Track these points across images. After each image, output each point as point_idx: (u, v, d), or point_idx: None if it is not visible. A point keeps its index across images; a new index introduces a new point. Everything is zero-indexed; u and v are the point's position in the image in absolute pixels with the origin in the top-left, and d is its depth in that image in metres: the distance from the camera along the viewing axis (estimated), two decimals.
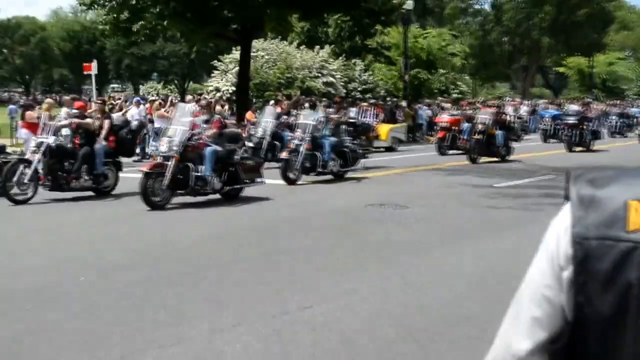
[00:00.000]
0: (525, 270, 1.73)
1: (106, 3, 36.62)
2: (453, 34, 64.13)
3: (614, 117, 45.15)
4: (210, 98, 37.74)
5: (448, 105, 38.30)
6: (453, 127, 29.04)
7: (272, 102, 29.75)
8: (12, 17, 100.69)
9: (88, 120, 17.28)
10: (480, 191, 17.80)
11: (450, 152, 28.56)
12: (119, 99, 37.80)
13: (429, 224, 13.43)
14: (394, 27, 46.69)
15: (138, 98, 36.64)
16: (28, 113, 23.36)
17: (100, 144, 16.81)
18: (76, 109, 17.90)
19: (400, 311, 7.91)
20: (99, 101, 21.48)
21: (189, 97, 39.53)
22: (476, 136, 25.56)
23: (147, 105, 29.81)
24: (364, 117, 29.74)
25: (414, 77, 47.73)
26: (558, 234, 1.66)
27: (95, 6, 37.84)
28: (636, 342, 1.54)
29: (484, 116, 26.82)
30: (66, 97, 30.85)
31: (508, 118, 29.82)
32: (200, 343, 6.91)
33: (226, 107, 31.38)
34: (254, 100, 36.82)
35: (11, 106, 35.24)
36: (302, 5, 35.20)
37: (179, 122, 15.91)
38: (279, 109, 25.98)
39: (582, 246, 1.59)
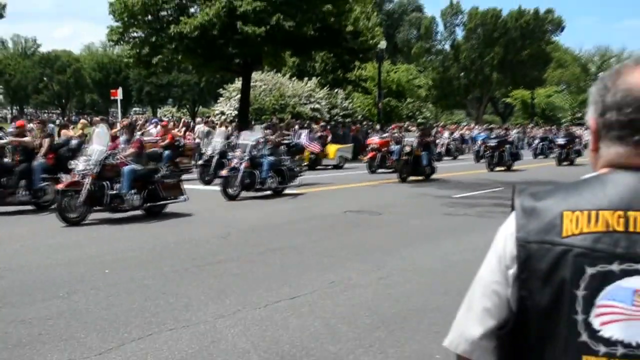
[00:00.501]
0: (479, 268, 1.77)
1: (130, 40, 37.16)
2: (419, 69, 64.68)
3: (537, 141, 45.44)
4: (213, 119, 37.86)
5: (414, 128, 37.61)
6: (382, 149, 27.61)
7: (265, 124, 29.59)
8: (51, 50, 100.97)
9: (26, 138, 16.03)
10: (441, 201, 17.80)
11: (380, 170, 27.22)
12: (140, 119, 37.69)
13: (398, 228, 13.39)
14: (370, 63, 47.13)
15: (156, 119, 36.77)
16: (64, 131, 23.28)
17: (38, 161, 15.65)
18: (16, 127, 16.74)
19: (375, 301, 7.86)
20: (37, 122, 20.01)
21: (198, 119, 39.59)
22: (404, 157, 24.11)
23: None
24: (314, 139, 29.31)
25: (386, 105, 48.21)
26: (505, 238, 1.71)
27: (121, 42, 38.29)
28: (569, 327, 1.58)
29: (410, 139, 25.08)
30: (96, 118, 30.88)
31: (430, 139, 27.45)
32: (206, 325, 6.87)
33: (230, 127, 31.35)
34: (253, 122, 36.86)
35: (50, 125, 35.06)
36: (293, 44, 35.58)
37: (98, 142, 14.32)
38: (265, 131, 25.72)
39: (524, 248, 1.64)
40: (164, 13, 36.20)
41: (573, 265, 1.58)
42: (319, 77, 48.86)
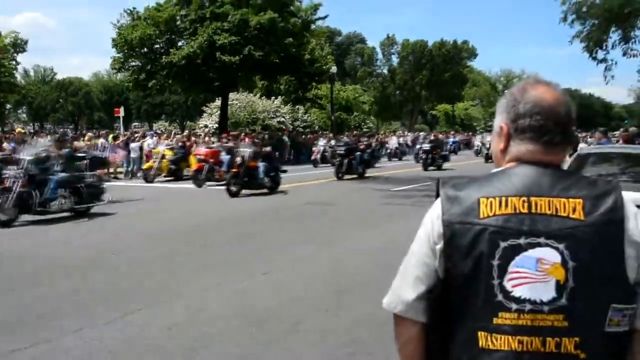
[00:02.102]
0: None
1: (129, 68, 37.06)
2: (363, 89, 64.85)
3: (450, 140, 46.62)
4: (199, 130, 37.60)
5: (365, 138, 37.38)
6: (210, 160, 20.78)
7: (243, 134, 29.49)
8: (66, 77, 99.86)
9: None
10: (381, 193, 17.85)
11: (209, 183, 20.18)
12: (138, 132, 37.31)
13: (347, 215, 13.38)
14: (324, 84, 47.06)
15: (152, 132, 36.53)
16: (75, 143, 22.86)
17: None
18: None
19: (330, 275, 7.87)
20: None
21: (186, 131, 39.31)
22: (235, 169, 17.60)
23: (161, 136, 29.30)
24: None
25: (338, 118, 48.36)
26: (432, 220, 1.73)
27: (122, 70, 38.18)
28: (487, 290, 1.61)
29: (244, 149, 18.40)
30: (103, 132, 30.43)
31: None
32: (194, 297, 6.80)
33: (213, 138, 31.26)
34: (231, 133, 36.76)
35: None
36: (262, 70, 35.86)
37: (31, 152, 12.84)
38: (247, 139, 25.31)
39: (449, 228, 1.66)
40: (157, 46, 36.15)
41: (489, 241, 1.61)
42: (283, 96, 48.92)
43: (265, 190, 17.83)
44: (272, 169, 18.37)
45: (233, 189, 17.01)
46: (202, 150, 22.03)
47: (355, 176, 23.34)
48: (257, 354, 5.12)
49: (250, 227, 11.66)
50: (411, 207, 14.19)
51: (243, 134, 28.76)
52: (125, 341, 5.41)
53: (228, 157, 19.38)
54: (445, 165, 30.35)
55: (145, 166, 23.28)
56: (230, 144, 20.97)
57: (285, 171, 19.46)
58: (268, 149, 20.10)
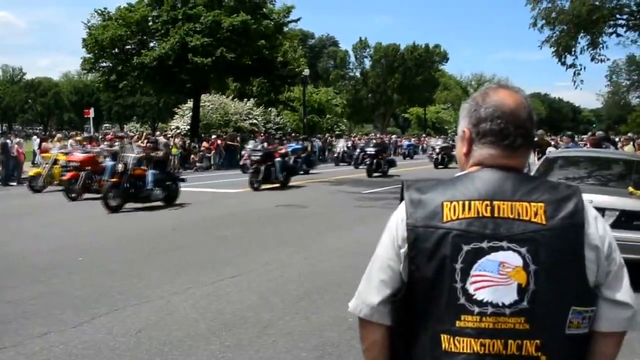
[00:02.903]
0: None
1: (100, 69, 36.75)
2: (335, 91, 64.96)
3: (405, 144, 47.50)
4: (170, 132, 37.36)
5: (339, 140, 37.44)
6: (87, 167, 16.69)
7: (214, 136, 29.41)
8: (35, 77, 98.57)
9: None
10: (354, 196, 17.88)
11: (88, 195, 16.47)
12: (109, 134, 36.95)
13: (320, 218, 13.37)
14: (296, 87, 47.12)
15: (123, 133, 36.30)
16: (44, 144, 22.58)
17: None
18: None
19: (301, 277, 7.84)
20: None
21: (157, 132, 39.02)
22: (115, 178, 14.44)
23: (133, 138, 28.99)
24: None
25: (310, 120, 48.36)
26: (397, 224, 1.73)
27: (93, 71, 37.83)
28: (450, 293, 1.62)
29: (129, 154, 15.17)
30: (72, 133, 30.08)
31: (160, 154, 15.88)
32: (163, 301, 6.73)
33: (187, 140, 31.21)
34: (202, 135, 36.59)
35: (35, 137, 33.94)
36: (234, 72, 35.82)
37: None
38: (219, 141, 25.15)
39: (413, 232, 1.66)
40: (128, 47, 35.89)
41: (452, 244, 1.62)
42: (256, 98, 48.91)
43: (159, 203, 15.25)
44: (165, 178, 15.46)
45: (112, 202, 14.07)
46: (77, 155, 17.71)
47: (276, 185, 19.92)
48: (226, 358, 5.08)
49: (221, 230, 11.59)
50: (381, 209, 14.22)
51: (128, 133, 26.51)
52: (92, 346, 5.33)
53: (112, 163, 15.93)
54: (392, 171, 27.35)
55: (31, 172, 20.15)
56: (116, 148, 17.41)
57: (183, 180, 16.54)
58: (159, 154, 15.87)
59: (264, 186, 19.33)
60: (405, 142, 49.90)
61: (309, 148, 29.32)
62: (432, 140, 44.05)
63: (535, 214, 1.62)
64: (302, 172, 25.87)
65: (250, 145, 27.46)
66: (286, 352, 5.21)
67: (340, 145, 37.51)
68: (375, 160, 25.93)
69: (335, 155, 37.50)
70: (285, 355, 5.15)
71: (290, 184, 20.72)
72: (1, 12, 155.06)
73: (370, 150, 27.23)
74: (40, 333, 5.63)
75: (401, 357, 1.74)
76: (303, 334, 5.65)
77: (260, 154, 20.30)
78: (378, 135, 46.86)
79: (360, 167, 28.48)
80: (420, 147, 52.09)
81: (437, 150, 33.87)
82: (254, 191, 18.78)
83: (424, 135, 66.46)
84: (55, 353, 5.17)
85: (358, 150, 30.81)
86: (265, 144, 22.92)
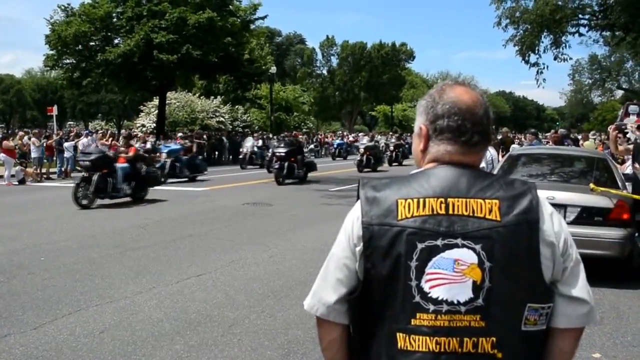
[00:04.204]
0: None
1: (63, 66, 36.13)
2: (302, 89, 64.71)
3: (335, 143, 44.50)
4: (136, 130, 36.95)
5: (301, 136, 35.69)
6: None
7: (180, 134, 29.18)
8: None
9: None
10: (320, 193, 17.92)
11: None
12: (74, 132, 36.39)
13: (286, 215, 13.35)
14: (263, 84, 46.93)
15: (87, 131, 35.82)
16: (5, 142, 22.11)
17: None
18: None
19: (266, 276, 7.82)
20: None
21: (123, 130, 38.60)
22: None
23: (96, 135, 28.54)
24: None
25: (277, 118, 48.21)
26: (352, 222, 1.73)
27: (56, 68, 37.17)
28: (405, 291, 1.61)
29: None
30: (35, 131, 29.54)
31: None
32: (126, 301, 6.66)
33: (151, 137, 30.86)
34: (169, 132, 36.25)
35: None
36: (201, 69, 35.60)
37: None
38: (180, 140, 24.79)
39: (368, 230, 1.66)
40: (92, 43, 35.41)
41: (407, 242, 1.61)
42: (222, 96, 48.61)
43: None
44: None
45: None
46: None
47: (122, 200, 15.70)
48: (191, 357, 5.05)
49: (186, 229, 11.50)
50: (348, 207, 14.20)
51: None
52: (54, 347, 5.25)
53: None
54: (313, 175, 23.44)
55: None
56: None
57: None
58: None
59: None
60: (336, 141, 44.96)
61: (194, 149, 24.36)
62: (365, 139, 36.93)
63: (490, 211, 1.62)
64: (186, 179, 21.90)
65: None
66: (251, 351, 5.20)
67: (248, 144, 31.49)
68: (286, 164, 20.79)
69: (241, 156, 31.30)
70: (251, 354, 5.13)
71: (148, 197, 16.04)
72: None
73: (281, 151, 21.44)
74: (0, 335, 5.52)
75: (358, 356, 1.74)
76: (269, 333, 5.64)
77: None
78: (294, 133, 37.22)
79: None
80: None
81: (362, 151, 29.08)
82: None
83: (390, 133, 66.70)
84: (15, 355, 5.08)
85: (271, 150, 24.07)
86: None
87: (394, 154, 33.14)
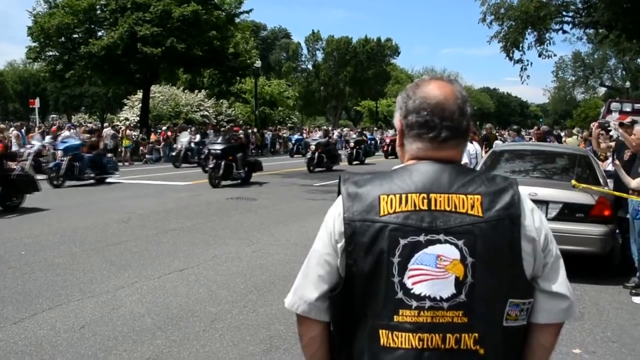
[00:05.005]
0: None
1: (46, 58, 35.82)
2: (287, 83, 64.50)
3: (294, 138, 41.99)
4: (118, 123, 36.72)
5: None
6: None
7: (164, 127, 29.02)
8: None
9: None
10: (305, 188, 17.88)
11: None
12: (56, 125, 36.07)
13: (270, 210, 13.30)
14: (248, 79, 46.74)
15: (70, 124, 35.55)
16: None
17: None
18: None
19: (249, 270, 7.80)
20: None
21: (106, 124, 38.36)
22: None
23: (80, 129, 28.29)
24: None
25: (262, 112, 48.06)
26: (334, 218, 1.72)
27: (39, 60, 36.71)
28: (387, 287, 1.60)
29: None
30: (17, 124, 29.29)
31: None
32: (108, 295, 6.60)
33: (138, 131, 30.70)
34: (152, 126, 36.07)
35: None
36: (185, 62, 35.48)
37: None
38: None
39: (350, 226, 1.64)
40: (75, 35, 35.02)
41: (389, 238, 1.60)
42: (207, 90, 48.46)
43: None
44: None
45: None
46: None
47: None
48: (172, 352, 5.02)
49: (170, 223, 11.44)
50: (331, 202, 14.19)
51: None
52: (33, 342, 5.20)
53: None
54: (258, 176, 20.44)
55: None
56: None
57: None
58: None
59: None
60: (294, 136, 40.83)
61: (101, 145, 20.95)
62: (318, 134, 32.17)
63: (472, 206, 1.61)
64: (90, 180, 18.57)
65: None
66: (233, 346, 5.18)
67: (184, 140, 27.76)
68: (223, 163, 17.88)
69: (174, 153, 27.82)
70: (232, 349, 5.11)
71: None
72: None
73: (216, 148, 18.39)
74: None
75: (340, 353, 1.73)
76: (251, 328, 5.62)
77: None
78: (234, 127, 34.18)
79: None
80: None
81: (313, 148, 24.85)
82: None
83: (375, 127, 66.76)
84: None
85: (208, 149, 19.51)
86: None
87: (354, 151, 29.77)
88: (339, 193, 1.74)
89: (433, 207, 1.61)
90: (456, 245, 1.59)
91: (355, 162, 29.19)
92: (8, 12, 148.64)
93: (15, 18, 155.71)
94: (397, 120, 1.78)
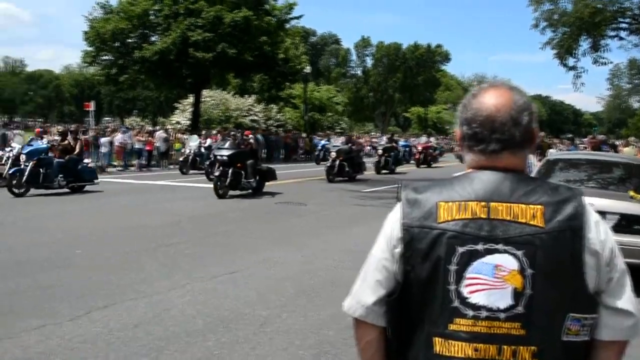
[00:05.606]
0: None
1: (101, 62, 36.70)
2: (337, 89, 64.74)
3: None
4: (169, 127, 37.33)
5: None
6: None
7: (214, 131, 29.32)
8: (36, 69, 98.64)
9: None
10: (353, 194, 17.86)
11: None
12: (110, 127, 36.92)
13: (318, 216, 13.36)
14: (298, 84, 47.01)
15: (124, 127, 36.33)
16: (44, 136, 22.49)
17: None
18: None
19: (298, 275, 7.84)
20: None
21: (157, 126, 39.10)
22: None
23: (132, 132, 28.95)
24: None
25: (311, 117, 48.23)
26: (392, 224, 1.72)
27: (94, 64, 37.65)
28: (443, 295, 1.60)
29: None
30: (73, 126, 30.13)
31: None
32: (160, 296, 6.73)
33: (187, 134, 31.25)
34: (203, 130, 36.59)
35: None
36: (236, 67, 35.86)
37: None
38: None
39: (408, 232, 1.66)
40: (129, 40, 35.90)
41: (447, 245, 1.60)
42: (257, 95, 48.86)
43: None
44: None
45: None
46: None
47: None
48: (222, 354, 5.08)
49: (220, 226, 11.58)
50: (381, 208, 14.20)
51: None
52: (88, 339, 5.33)
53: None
54: (273, 186, 18.44)
55: None
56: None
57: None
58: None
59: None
60: (321, 142, 36.19)
61: (77, 148, 17.32)
62: (339, 140, 26.56)
63: (533, 217, 1.59)
64: (60, 189, 16.28)
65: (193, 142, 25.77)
66: (283, 350, 5.22)
67: (193, 144, 26.02)
68: (231, 170, 16.17)
69: (182, 158, 25.92)
70: (282, 353, 5.15)
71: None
72: (4, 4, 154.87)
73: (222, 154, 16.62)
74: (37, 325, 5.62)
75: (395, 359, 1.74)
76: (300, 332, 5.65)
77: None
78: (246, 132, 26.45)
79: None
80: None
81: (333, 155, 22.38)
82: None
83: (424, 135, 66.14)
84: (51, 346, 5.16)
85: (215, 154, 17.58)
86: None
87: (382, 159, 27.25)
88: (398, 199, 1.74)
89: (492, 216, 1.60)
90: (515, 256, 1.57)
91: (384, 172, 26.64)
92: (64, 16, 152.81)
93: (69, 22, 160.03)
94: (456, 129, 1.78)
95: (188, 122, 39.91)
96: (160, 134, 29.50)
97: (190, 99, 40.86)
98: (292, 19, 38.78)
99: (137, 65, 34.65)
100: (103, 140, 25.15)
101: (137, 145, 26.80)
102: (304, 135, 41.17)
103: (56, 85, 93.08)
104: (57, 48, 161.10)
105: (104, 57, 36.74)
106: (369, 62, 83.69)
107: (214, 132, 34.49)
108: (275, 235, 10.75)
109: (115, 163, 26.22)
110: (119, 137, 25.81)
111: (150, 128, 37.86)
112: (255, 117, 45.34)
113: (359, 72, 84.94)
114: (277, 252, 9.21)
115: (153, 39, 36.17)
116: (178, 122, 42.63)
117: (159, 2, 35.64)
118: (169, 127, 38.71)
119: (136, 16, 34.66)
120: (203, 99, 40.66)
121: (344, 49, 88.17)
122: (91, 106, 38.04)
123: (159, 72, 34.97)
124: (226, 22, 33.03)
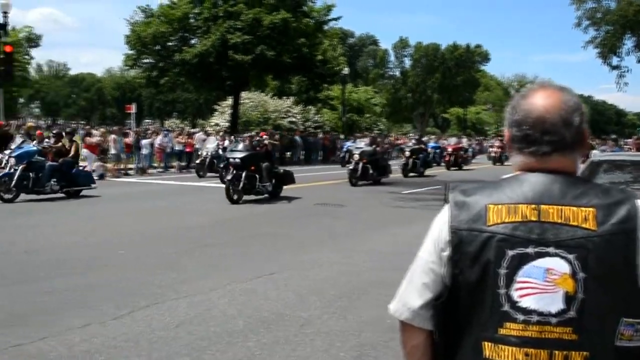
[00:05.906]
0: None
1: (142, 65, 37.28)
2: (375, 90, 64.65)
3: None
4: (209, 128, 37.67)
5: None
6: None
7: (253, 133, 29.42)
8: (79, 73, 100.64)
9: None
10: (393, 196, 17.81)
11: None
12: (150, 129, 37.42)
13: (357, 217, 13.34)
14: (336, 85, 47.04)
15: (165, 129, 36.79)
16: (87, 138, 22.95)
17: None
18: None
19: (338, 277, 7.84)
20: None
21: (197, 128, 39.54)
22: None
23: (173, 134, 29.30)
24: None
25: (349, 119, 48.25)
26: (440, 226, 1.70)
27: (135, 67, 38.33)
28: (493, 299, 1.57)
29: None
30: (114, 128, 30.63)
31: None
32: (201, 296, 6.80)
33: (219, 136, 31.46)
34: (241, 132, 36.91)
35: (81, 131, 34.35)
36: (274, 69, 36.07)
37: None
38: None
39: (456, 235, 1.63)
40: (170, 43, 36.39)
41: (496, 249, 1.58)
42: (295, 96, 49.00)
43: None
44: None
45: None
46: None
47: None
48: (263, 355, 5.11)
49: (259, 227, 11.65)
50: (421, 210, 14.13)
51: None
52: (131, 338, 5.42)
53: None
54: (288, 189, 17.18)
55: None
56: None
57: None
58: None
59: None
60: (346, 144, 33.33)
61: (72, 150, 16.66)
62: (362, 142, 25.37)
63: (585, 219, 1.56)
64: (53, 194, 15.62)
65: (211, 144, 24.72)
66: (323, 352, 5.22)
67: (210, 146, 24.91)
68: (244, 174, 15.33)
69: (199, 160, 24.89)
70: (323, 355, 5.16)
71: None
72: (48, 9, 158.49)
73: (235, 157, 15.91)
74: (81, 324, 5.73)
75: None
76: (341, 334, 5.64)
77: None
78: (261, 133, 27.32)
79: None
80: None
81: (356, 157, 21.34)
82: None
83: (463, 136, 65.65)
84: (95, 344, 5.26)
85: (231, 155, 16.64)
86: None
87: (410, 161, 26.22)
88: (446, 201, 1.72)
89: (543, 219, 1.57)
90: (567, 259, 1.54)
91: (411, 174, 25.92)
92: (106, 20, 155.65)
93: (111, 26, 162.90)
94: (505, 131, 1.76)
95: (227, 124, 40.25)
96: (200, 135, 29.81)
97: (229, 101, 41.18)
98: (330, 20, 38.87)
99: (177, 68, 35.13)
100: (144, 142, 25.51)
101: (177, 147, 27.15)
102: (342, 136, 41.13)
103: (98, 88, 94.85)
104: (100, 52, 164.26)
105: (145, 60, 37.33)
106: (407, 63, 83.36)
107: (253, 134, 34.71)
108: (314, 236, 10.79)
109: (155, 164, 26.62)
110: (159, 139, 26.16)
111: (190, 130, 38.29)
112: (294, 119, 45.46)
113: (397, 73, 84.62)
114: (316, 254, 9.24)
115: (193, 41, 36.60)
116: (217, 124, 43.03)
117: (198, 6, 36.05)
118: (208, 128, 39.05)
119: (176, 19, 35.13)
120: (242, 101, 40.95)
121: (382, 50, 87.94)
122: (132, 108, 38.71)
123: (198, 74, 35.39)
124: (265, 24, 33.24)
